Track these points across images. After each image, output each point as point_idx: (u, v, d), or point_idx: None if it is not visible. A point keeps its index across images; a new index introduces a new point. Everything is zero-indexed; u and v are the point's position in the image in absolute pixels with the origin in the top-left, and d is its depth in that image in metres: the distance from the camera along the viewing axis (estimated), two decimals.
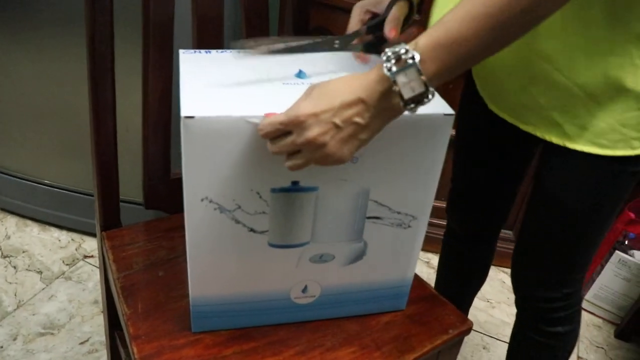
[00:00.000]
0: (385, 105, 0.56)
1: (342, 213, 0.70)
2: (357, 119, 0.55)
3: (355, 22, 0.75)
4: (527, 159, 0.92)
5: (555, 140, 0.74)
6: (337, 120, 0.55)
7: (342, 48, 0.72)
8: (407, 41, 0.66)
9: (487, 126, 0.85)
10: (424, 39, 0.54)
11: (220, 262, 0.70)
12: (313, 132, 0.55)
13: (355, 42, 0.73)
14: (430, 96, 0.55)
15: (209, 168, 0.62)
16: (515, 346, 1.04)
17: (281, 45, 0.69)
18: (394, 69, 0.53)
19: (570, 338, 0.95)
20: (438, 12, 0.79)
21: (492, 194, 1.00)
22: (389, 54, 0.54)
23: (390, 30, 0.71)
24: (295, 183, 0.65)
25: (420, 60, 0.54)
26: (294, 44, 0.69)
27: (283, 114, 0.57)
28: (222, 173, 0.62)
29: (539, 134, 0.75)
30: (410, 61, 0.53)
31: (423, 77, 0.54)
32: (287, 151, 0.58)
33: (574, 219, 0.80)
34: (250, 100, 0.63)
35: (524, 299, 0.95)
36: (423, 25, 0.90)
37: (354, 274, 0.76)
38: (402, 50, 0.53)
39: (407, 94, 0.54)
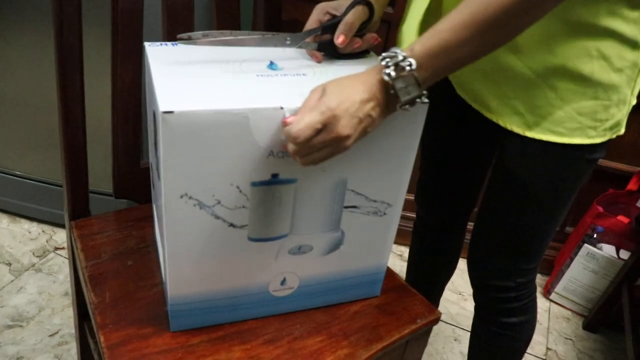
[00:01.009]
0: (387, 103, 0.61)
1: (320, 204, 0.70)
2: (372, 113, 0.60)
3: (312, 21, 0.77)
4: (492, 148, 0.94)
5: (516, 129, 0.76)
6: (361, 114, 0.59)
7: (293, 45, 0.73)
8: (361, 47, 0.75)
9: (454, 114, 0.86)
10: (419, 47, 0.59)
11: (200, 260, 0.69)
12: (343, 124, 0.58)
13: (309, 40, 0.74)
14: (422, 98, 0.61)
15: (188, 164, 0.61)
16: (475, 338, 1.06)
17: (230, 38, 0.69)
18: (393, 74, 0.59)
19: (526, 328, 0.97)
20: (411, 17, 0.80)
21: (458, 182, 1.02)
22: (388, 60, 0.59)
23: (338, 36, 0.73)
24: (275, 176, 0.65)
25: (417, 67, 0.59)
26: (244, 36, 0.69)
27: (315, 113, 0.57)
28: (202, 168, 0.61)
29: (501, 122, 0.77)
30: (408, 68, 0.59)
31: (419, 82, 0.59)
32: (313, 150, 0.59)
33: (530, 205, 0.82)
34: (228, 93, 0.62)
35: (479, 289, 0.97)
36: (394, 22, 0.91)
37: (332, 263, 0.77)
38: (400, 57, 0.58)
39: (404, 97, 0.60)
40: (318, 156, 0.60)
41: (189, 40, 0.68)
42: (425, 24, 0.77)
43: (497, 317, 0.96)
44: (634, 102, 0.77)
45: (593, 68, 0.69)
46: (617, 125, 0.76)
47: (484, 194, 0.88)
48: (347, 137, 0.59)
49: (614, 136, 0.77)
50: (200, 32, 0.68)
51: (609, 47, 0.68)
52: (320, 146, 0.59)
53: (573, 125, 0.73)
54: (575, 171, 0.79)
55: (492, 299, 0.94)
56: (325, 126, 0.58)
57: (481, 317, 1.01)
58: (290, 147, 0.60)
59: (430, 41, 0.59)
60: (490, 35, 0.60)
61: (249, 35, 0.70)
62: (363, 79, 0.60)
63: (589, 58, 0.69)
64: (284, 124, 0.60)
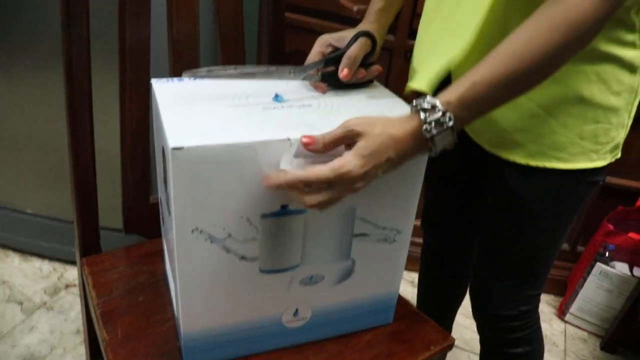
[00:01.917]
0: (417, 152, 0.62)
1: (330, 233, 0.70)
2: (392, 168, 0.61)
3: (314, 53, 0.78)
4: (494, 174, 0.93)
5: (519, 160, 0.76)
6: (380, 172, 0.60)
7: (297, 77, 0.75)
8: (365, 78, 0.76)
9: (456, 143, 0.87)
10: (455, 101, 0.59)
11: (212, 294, 0.69)
12: (360, 185, 0.59)
13: (312, 72, 0.75)
14: (453, 144, 0.61)
15: (198, 198, 0.61)
16: None
17: (234, 73, 0.70)
18: (434, 132, 0.59)
19: (533, 358, 0.96)
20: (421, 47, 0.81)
21: (462, 208, 1.02)
22: (426, 115, 0.59)
23: (342, 69, 0.74)
24: (284, 207, 0.66)
25: (454, 120, 0.59)
26: (248, 70, 0.71)
27: (328, 170, 0.57)
28: (212, 202, 0.62)
29: (503, 155, 0.78)
30: (448, 124, 0.59)
31: (454, 132, 0.60)
32: (321, 199, 0.59)
33: (533, 230, 0.81)
34: (235, 126, 0.63)
35: (483, 319, 0.96)
36: (396, 50, 0.92)
37: (343, 292, 0.77)
38: (439, 114, 0.59)
39: (439, 147, 0.61)
40: (328, 204, 0.60)
41: (194, 77, 0.69)
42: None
43: (503, 347, 0.95)
44: (630, 124, 0.77)
45: (593, 91, 0.70)
46: (616, 147, 0.77)
47: (486, 221, 0.88)
48: (358, 189, 0.59)
49: (613, 159, 0.78)
50: (205, 68, 0.69)
51: (608, 72, 0.69)
52: (334, 196, 0.59)
53: (576, 150, 0.73)
54: (578, 194, 0.79)
55: (497, 329, 0.93)
56: (340, 183, 0.58)
57: (487, 350, 1.00)
58: (301, 197, 0.60)
59: (467, 95, 0.59)
60: (527, 83, 0.62)
61: (252, 69, 0.72)
62: (397, 137, 0.59)
63: (588, 82, 0.70)
64: (306, 143, 0.59)
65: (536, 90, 0.70)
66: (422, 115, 0.59)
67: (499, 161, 0.78)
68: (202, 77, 0.70)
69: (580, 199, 0.80)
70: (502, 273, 0.88)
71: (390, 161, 0.60)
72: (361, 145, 0.58)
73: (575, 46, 0.59)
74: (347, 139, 0.59)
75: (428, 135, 0.59)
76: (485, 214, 0.88)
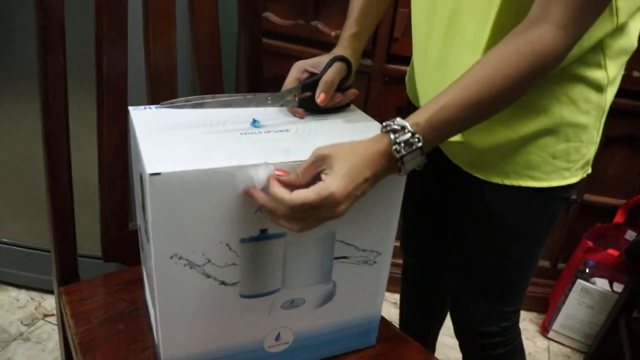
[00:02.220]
0: (388, 172, 0.62)
1: (310, 256, 0.70)
2: (369, 188, 0.61)
3: (291, 80, 0.79)
4: (471, 191, 0.95)
5: (494, 179, 0.78)
6: (359, 193, 0.60)
7: (274, 104, 0.75)
8: (342, 102, 0.77)
9: (432, 163, 0.88)
10: (425, 123, 0.61)
11: (192, 320, 0.68)
12: (343, 207, 0.59)
13: (289, 98, 0.76)
14: (422, 164, 0.63)
15: (177, 224, 0.61)
16: None
17: (212, 102, 0.71)
18: (403, 152, 0.60)
19: None
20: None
21: (440, 228, 1.03)
22: (396, 136, 0.60)
23: (319, 94, 0.75)
24: (263, 231, 0.66)
25: (424, 142, 0.61)
26: (225, 99, 0.71)
27: (312, 194, 0.57)
28: (190, 228, 0.62)
29: (479, 175, 0.80)
30: (417, 145, 0.60)
31: (423, 153, 0.62)
32: (302, 224, 0.59)
33: (509, 245, 0.83)
34: (213, 152, 0.63)
35: (464, 336, 0.96)
36: (374, 75, 0.94)
37: (325, 315, 0.76)
38: (408, 135, 0.60)
39: (409, 168, 0.62)
40: (309, 226, 0.60)
41: (172, 107, 0.69)
42: None
43: None
44: (599, 140, 0.79)
45: (563, 111, 0.72)
46: (587, 164, 0.79)
47: (462, 238, 0.89)
48: (341, 213, 0.60)
49: (584, 175, 0.80)
50: (182, 98, 0.70)
51: (576, 92, 0.71)
52: (315, 220, 0.60)
53: (549, 168, 0.75)
54: (552, 210, 0.81)
55: (479, 346, 0.93)
56: (325, 206, 0.58)
57: None
58: (282, 222, 0.60)
59: (436, 117, 0.61)
60: (493, 108, 0.64)
61: (230, 97, 0.72)
62: (370, 157, 0.60)
63: (559, 103, 0.72)
64: (277, 178, 0.59)
65: (509, 116, 0.72)
66: (392, 136, 0.60)
67: (475, 180, 0.80)
68: (180, 106, 0.70)
69: (554, 214, 0.82)
70: (480, 290, 0.88)
71: (368, 181, 0.60)
72: (336, 167, 0.58)
73: (540, 74, 0.62)
74: (317, 164, 0.60)
75: (398, 155, 0.60)
76: (462, 232, 0.89)
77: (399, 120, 0.61)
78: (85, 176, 1.03)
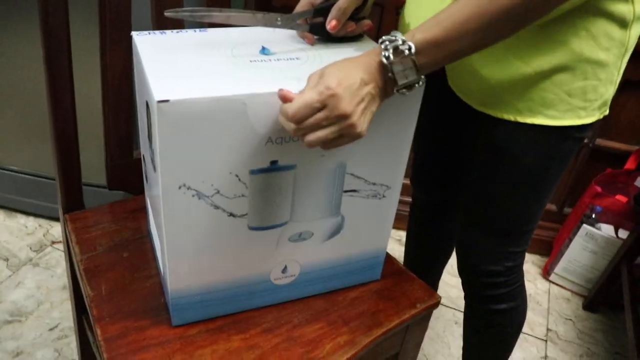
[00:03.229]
0: (385, 85, 0.61)
1: (320, 189, 0.69)
2: (372, 92, 0.59)
3: (304, 3, 0.75)
4: (483, 128, 0.93)
5: (507, 116, 0.76)
6: (362, 93, 0.58)
7: (284, 26, 0.72)
8: (354, 31, 0.74)
9: (444, 99, 0.86)
10: (420, 35, 0.59)
11: (200, 251, 0.68)
12: (345, 102, 0.57)
13: (300, 22, 0.73)
14: (420, 83, 0.60)
15: (185, 154, 0.59)
16: (467, 327, 1.07)
17: (219, 15, 0.67)
18: (392, 57, 0.58)
19: (516, 314, 0.97)
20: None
21: (450, 164, 1.01)
22: (387, 43, 0.59)
23: (330, 20, 0.72)
24: (273, 162, 0.64)
25: (416, 52, 0.59)
26: (233, 14, 0.68)
27: (312, 92, 0.56)
28: (199, 158, 0.60)
29: (492, 113, 0.77)
30: (407, 52, 0.58)
31: (417, 67, 0.59)
32: (315, 128, 0.58)
33: (519, 185, 0.81)
34: (222, 79, 0.61)
35: (468, 274, 0.96)
36: (387, 6, 0.90)
37: (332, 249, 0.76)
38: (400, 42, 0.58)
39: (401, 81, 0.60)
40: (324, 134, 0.58)
41: (176, 16, 0.66)
42: None
43: (487, 304, 0.96)
44: (619, 81, 0.76)
45: (582, 47, 0.69)
46: (605, 104, 0.76)
47: (472, 175, 0.88)
48: (352, 113, 0.58)
49: (601, 116, 0.77)
50: (188, 8, 0.67)
51: (598, 26, 0.68)
52: (324, 123, 0.58)
53: (564, 107, 0.73)
54: (564, 150, 0.79)
55: (481, 284, 0.94)
56: (325, 105, 0.57)
57: (471, 306, 1.01)
58: (290, 126, 0.58)
59: (432, 30, 0.59)
60: (493, 29, 0.60)
61: (238, 12, 0.69)
62: (362, 60, 0.60)
63: (577, 37, 0.68)
64: (281, 96, 0.58)
65: (525, 46, 0.69)
66: (384, 44, 0.59)
67: (488, 118, 0.77)
68: (185, 16, 0.66)
69: (566, 154, 0.80)
70: (487, 228, 0.88)
71: (366, 84, 0.58)
72: (326, 71, 0.58)
73: None
74: (313, 79, 0.59)
75: (386, 61, 0.59)
76: (472, 170, 0.87)
77: (394, 32, 0.60)
78: (90, 105, 1.01)
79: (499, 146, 0.79)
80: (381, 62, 0.59)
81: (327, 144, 0.59)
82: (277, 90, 0.59)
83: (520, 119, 0.75)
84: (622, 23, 0.69)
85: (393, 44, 0.59)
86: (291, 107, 0.57)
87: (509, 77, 0.73)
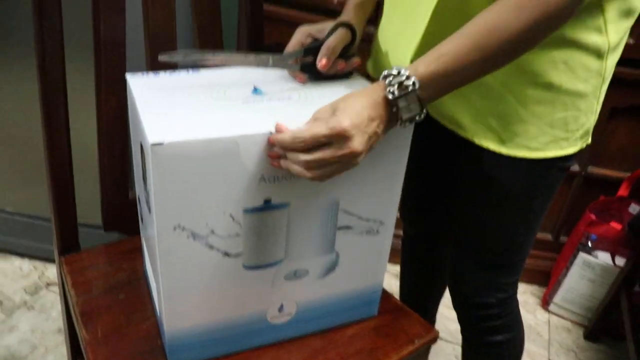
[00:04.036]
0: (389, 120, 0.62)
1: (314, 226, 0.70)
2: (377, 130, 0.61)
3: (294, 43, 0.77)
4: (468, 160, 0.94)
5: (492, 146, 0.76)
6: (369, 131, 0.60)
7: (276, 66, 0.73)
8: (344, 69, 0.76)
9: (430, 131, 0.87)
10: (422, 68, 0.60)
11: (195, 292, 0.68)
12: (355, 142, 0.58)
13: (291, 62, 0.75)
14: (422, 115, 0.62)
15: (180, 194, 0.60)
16: (466, 358, 1.06)
17: (212, 58, 0.69)
18: (397, 93, 0.60)
19: (514, 345, 0.97)
20: (382, 35, 0.81)
21: (438, 196, 1.02)
22: (390, 79, 0.60)
23: (320, 59, 0.74)
24: (267, 201, 0.65)
25: (419, 87, 0.60)
26: (226, 56, 0.70)
27: (322, 126, 0.57)
28: (193, 198, 0.61)
29: (475, 140, 0.78)
30: (411, 87, 0.60)
31: (420, 101, 0.61)
32: (323, 164, 0.59)
33: (506, 215, 0.82)
34: (215, 121, 0.62)
35: (461, 307, 0.96)
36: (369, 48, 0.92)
37: (328, 285, 0.76)
38: (403, 77, 0.60)
39: (405, 115, 0.61)
40: (328, 171, 0.60)
41: (170, 60, 0.68)
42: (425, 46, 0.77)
43: (483, 336, 0.95)
44: (599, 110, 0.77)
45: (560, 79, 0.70)
46: (586, 133, 0.78)
47: (459, 207, 0.88)
48: (360, 153, 0.59)
49: (584, 145, 0.78)
50: (182, 50, 0.68)
51: (575, 58, 0.69)
52: (332, 161, 0.59)
53: (546, 139, 0.74)
54: (549, 180, 0.80)
55: (475, 317, 0.93)
56: (332, 142, 0.58)
57: (467, 339, 1.01)
58: (298, 158, 0.59)
59: (434, 64, 0.60)
60: (492, 60, 0.61)
61: (230, 55, 0.70)
62: (368, 96, 0.61)
63: (556, 70, 0.70)
64: (278, 130, 0.59)
65: (507, 75, 0.71)
66: (387, 79, 0.60)
67: (473, 147, 0.78)
68: (179, 60, 0.68)
69: (552, 184, 0.81)
70: (476, 260, 0.88)
71: (373, 120, 0.60)
72: (339, 107, 0.59)
73: (544, 25, 0.60)
74: (320, 114, 0.60)
75: (391, 97, 0.60)
76: (459, 201, 0.88)
77: (396, 66, 0.61)
78: (85, 145, 1.02)
79: (485, 177, 0.80)
80: (386, 98, 0.60)
81: (323, 178, 0.61)
82: (275, 124, 0.60)
83: (504, 151, 0.76)
84: (598, 54, 0.70)
85: (397, 79, 0.60)
86: (299, 135, 0.58)
87: (493, 102, 0.74)
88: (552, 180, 0.80)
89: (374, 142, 0.61)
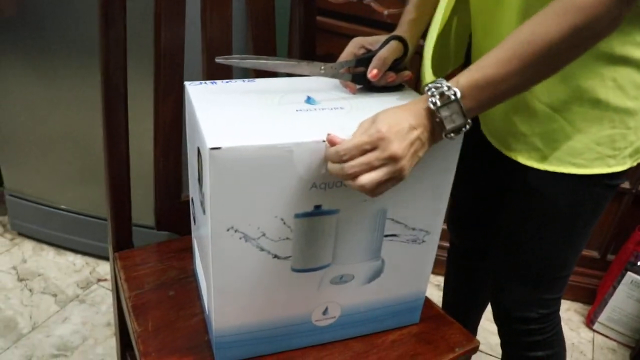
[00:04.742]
0: (433, 131, 0.63)
1: (361, 233, 0.72)
2: (421, 137, 0.62)
3: (347, 53, 0.79)
4: (513, 175, 0.93)
5: (536, 165, 0.77)
6: (410, 137, 0.61)
7: (327, 74, 0.75)
8: (395, 81, 0.78)
9: (479, 144, 0.87)
10: (464, 79, 0.62)
11: (245, 292, 0.71)
12: (395, 145, 0.59)
13: (343, 71, 0.76)
14: (467, 127, 0.62)
15: (235, 198, 0.63)
16: None
17: (267, 63, 0.72)
18: (438, 103, 0.61)
19: None
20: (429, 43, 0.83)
21: (486, 209, 1.02)
22: (433, 90, 0.61)
23: (371, 69, 0.76)
24: (317, 207, 0.67)
25: (461, 97, 0.61)
26: (279, 62, 0.72)
27: (363, 135, 0.60)
28: (247, 202, 0.63)
29: (520, 159, 0.78)
30: (453, 97, 0.61)
31: (463, 112, 0.61)
32: (367, 168, 0.60)
33: (548, 232, 0.81)
34: (270, 128, 0.65)
35: (502, 321, 0.95)
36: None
37: (372, 291, 0.78)
38: (445, 88, 0.61)
39: (449, 125, 0.62)
40: (377, 175, 0.60)
41: (226, 62, 0.71)
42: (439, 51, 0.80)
43: (523, 351, 0.94)
44: None
45: (608, 95, 0.70)
46: (636, 152, 0.76)
47: (504, 221, 0.88)
48: (402, 157, 0.60)
49: (635, 163, 0.77)
50: (238, 55, 0.72)
51: (624, 76, 0.69)
52: (376, 163, 0.60)
53: (592, 155, 0.73)
54: (595, 197, 0.79)
55: (516, 332, 0.93)
56: (376, 147, 0.59)
57: (508, 353, 1.00)
58: (341, 168, 0.60)
59: (475, 74, 0.61)
60: (533, 70, 0.61)
61: (284, 61, 0.73)
62: (410, 107, 0.63)
63: (604, 87, 0.69)
64: (329, 140, 0.62)
65: (550, 94, 0.71)
66: (430, 91, 0.61)
67: (517, 164, 0.79)
68: (234, 63, 0.72)
69: (599, 201, 0.79)
70: (519, 275, 0.87)
71: (415, 129, 0.61)
72: (378, 118, 0.61)
73: (585, 33, 0.58)
74: (364, 125, 0.62)
75: (433, 107, 0.61)
76: (504, 215, 0.88)
77: (439, 79, 0.62)
78: (141, 148, 1.07)
79: (530, 191, 0.80)
80: (429, 109, 0.62)
81: (375, 188, 0.61)
82: (326, 135, 0.62)
83: (549, 167, 0.76)
84: None
85: (439, 90, 0.61)
86: (342, 147, 0.60)
87: (537, 122, 0.74)
88: (598, 198, 0.79)
89: (417, 149, 0.62)
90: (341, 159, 0.60)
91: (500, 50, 0.61)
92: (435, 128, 0.63)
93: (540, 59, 0.60)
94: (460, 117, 0.62)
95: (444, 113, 0.61)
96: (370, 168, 0.60)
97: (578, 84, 0.70)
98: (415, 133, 0.61)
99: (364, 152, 0.60)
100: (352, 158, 0.60)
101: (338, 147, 0.60)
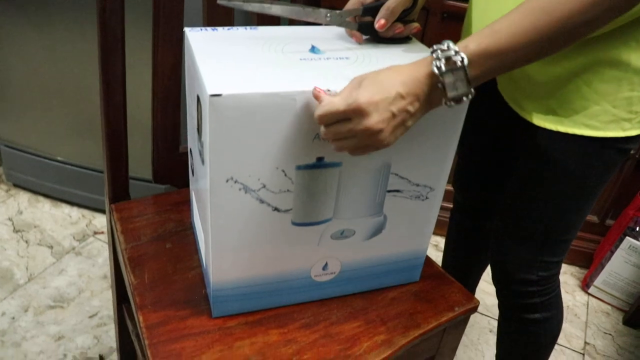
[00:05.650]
0: (430, 98, 0.59)
1: (364, 188, 0.70)
2: (409, 108, 0.58)
3: (354, 1, 0.76)
4: (525, 135, 0.92)
5: (549, 125, 0.75)
6: (394, 109, 0.57)
7: (333, 22, 0.73)
8: (402, 33, 0.73)
9: (490, 102, 0.85)
10: (473, 45, 0.57)
11: (243, 245, 0.69)
12: (372, 119, 0.56)
13: (349, 19, 0.73)
14: (470, 96, 0.58)
15: (235, 147, 0.60)
16: (501, 335, 1.06)
17: (270, 7, 0.69)
18: (443, 68, 0.57)
19: (551, 325, 0.96)
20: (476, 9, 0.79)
21: (494, 167, 1.00)
22: (439, 52, 0.57)
23: (379, 19, 0.72)
24: (320, 159, 0.65)
25: (468, 64, 0.57)
26: (284, 6, 0.69)
27: (341, 101, 0.57)
28: (248, 152, 0.61)
29: (535, 121, 0.76)
30: (459, 63, 0.57)
31: (468, 79, 0.57)
32: (341, 137, 0.59)
33: (557, 193, 0.80)
34: (273, 76, 0.62)
35: (501, 283, 0.95)
36: (432, 10, 0.90)
37: (373, 248, 0.77)
38: (452, 52, 0.57)
39: (450, 93, 0.58)
40: (347, 145, 0.59)
41: (229, 5, 0.68)
42: None
43: (520, 313, 0.95)
44: None
45: (630, 57, 0.67)
46: None
47: (511, 180, 0.87)
48: (379, 131, 0.57)
49: None
50: None
51: None
52: (350, 135, 0.58)
53: (607, 118, 0.71)
54: (606, 161, 0.77)
55: (514, 293, 0.92)
56: (351, 118, 0.57)
57: (505, 315, 1.00)
58: (321, 128, 0.60)
59: (486, 41, 0.57)
60: (549, 42, 0.58)
61: (288, 5, 0.70)
62: (406, 72, 0.58)
63: (627, 48, 0.67)
64: (314, 95, 0.59)
65: (570, 57, 0.68)
66: (435, 53, 0.57)
67: (530, 124, 0.77)
68: (237, 6, 0.69)
69: (609, 165, 0.78)
70: (522, 236, 0.87)
71: (403, 98, 0.57)
72: (365, 80, 0.57)
73: (606, 8, 0.56)
74: (352, 84, 0.59)
75: (437, 72, 0.57)
76: (511, 174, 0.86)
77: (446, 40, 0.58)
78: (138, 99, 1.04)
79: (540, 152, 0.78)
80: (431, 73, 0.58)
81: (352, 152, 0.60)
82: (313, 88, 0.59)
83: (562, 129, 0.74)
84: None
85: (445, 53, 0.57)
86: (318, 110, 0.58)
87: (553, 82, 0.72)
88: (609, 162, 0.77)
89: (403, 120, 0.58)
90: (317, 122, 0.59)
91: (517, 18, 0.57)
92: (434, 94, 0.59)
93: (558, 30, 0.56)
94: (464, 86, 0.58)
95: (448, 79, 0.57)
96: (344, 137, 0.58)
97: (600, 44, 0.67)
98: (402, 103, 0.57)
99: (338, 119, 0.57)
100: (326, 123, 0.58)
101: (316, 110, 0.58)
